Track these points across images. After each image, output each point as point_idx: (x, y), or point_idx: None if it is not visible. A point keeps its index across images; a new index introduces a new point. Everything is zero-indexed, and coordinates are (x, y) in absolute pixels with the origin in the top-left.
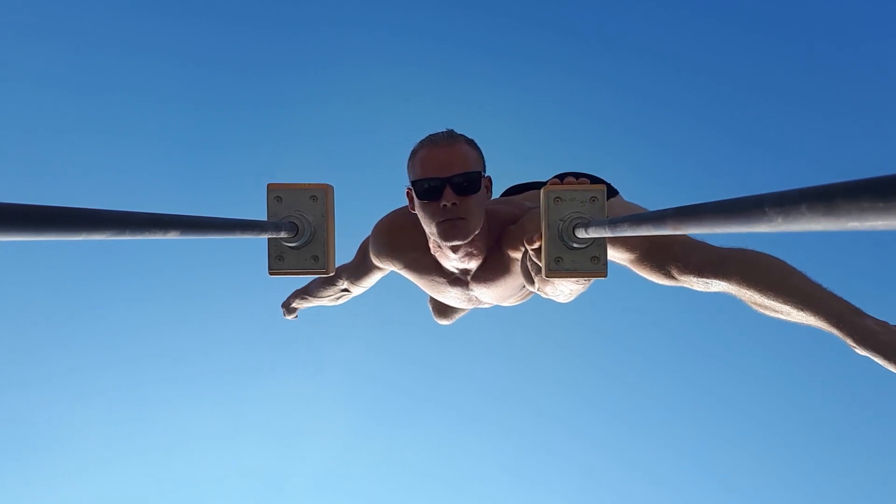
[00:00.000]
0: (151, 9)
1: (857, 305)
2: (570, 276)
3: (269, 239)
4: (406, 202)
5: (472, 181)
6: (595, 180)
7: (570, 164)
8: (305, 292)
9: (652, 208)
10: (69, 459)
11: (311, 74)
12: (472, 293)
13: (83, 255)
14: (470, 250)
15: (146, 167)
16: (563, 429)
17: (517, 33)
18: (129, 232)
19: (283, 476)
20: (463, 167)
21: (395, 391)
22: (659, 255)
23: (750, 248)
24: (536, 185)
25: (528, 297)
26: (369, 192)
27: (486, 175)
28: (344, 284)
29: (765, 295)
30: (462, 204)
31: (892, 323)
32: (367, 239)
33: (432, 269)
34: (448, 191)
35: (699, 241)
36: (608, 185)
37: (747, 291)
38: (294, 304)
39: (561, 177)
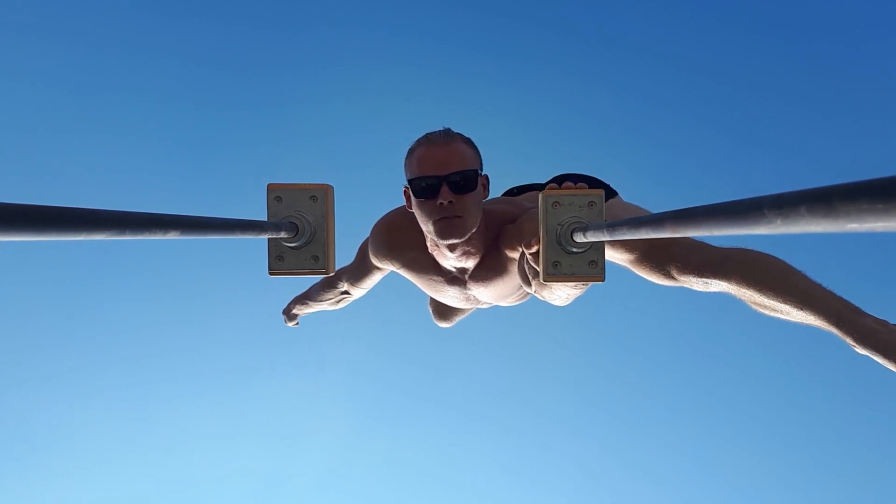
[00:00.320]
0: (151, 9)
1: (857, 305)
2: (568, 281)
3: (269, 239)
4: (404, 201)
5: (469, 179)
6: (594, 183)
7: (570, 164)
8: (306, 297)
9: (652, 209)
10: (69, 459)
11: (311, 74)
12: (469, 292)
13: (83, 255)
14: (467, 249)
15: (146, 167)
16: (563, 429)
17: (517, 33)
18: (129, 232)
19: (283, 476)
20: (459, 165)
21: (395, 391)
22: (658, 256)
23: (750, 248)
24: (535, 188)
25: (527, 298)
26: (369, 192)
27: (483, 173)
28: (344, 287)
29: (764, 294)
30: (458, 202)
31: (892, 322)
32: (367, 240)
33: (430, 268)
34: (444, 189)
35: (698, 241)
36: (607, 187)
37: (747, 291)
38: (295, 311)
39: (559, 180)
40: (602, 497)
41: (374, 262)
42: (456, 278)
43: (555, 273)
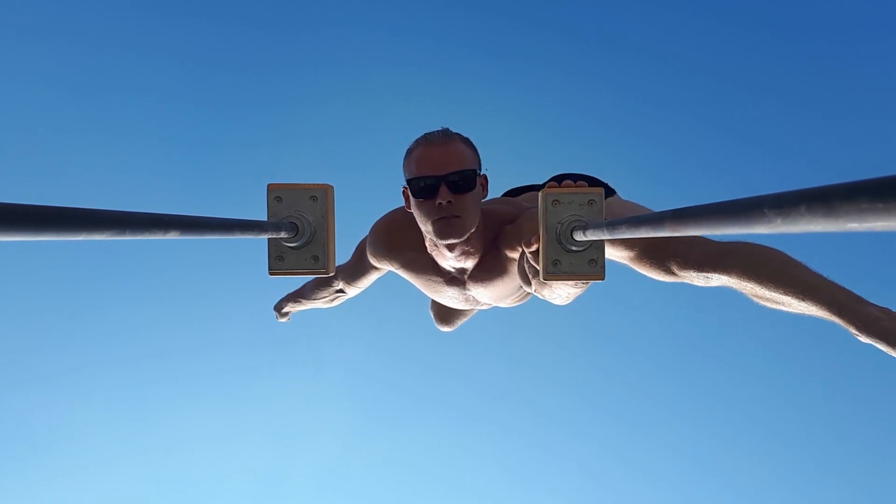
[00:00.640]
0: (151, 9)
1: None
2: (568, 280)
3: (269, 239)
4: (403, 202)
5: (468, 179)
6: (593, 182)
7: (571, 164)
8: (299, 295)
9: (652, 208)
10: (69, 459)
11: (311, 74)
12: (469, 293)
13: (83, 255)
14: (466, 249)
15: (146, 167)
16: (563, 429)
17: (517, 33)
18: (129, 232)
19: (283, 476)
20: (458, 165)
21: (395, 391)
22: (658, 252)
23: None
24: (534, 188)
25: (527, 299)
26: (369, 192)
27: (481, 173)
28: (339, 285)
29: (766, 287)
30: (457, 202)
31: (894, 309)
32: (364, 239)
33: (429, 268)
34: (443, 189)
35: (698, 236)
36: (606, 186)
37: (748, 284)
38: (286, 308)
39: (559, 179)
40: (602, 497)
41: (373, 262)
42: (455, 279)
43: (555, 272)
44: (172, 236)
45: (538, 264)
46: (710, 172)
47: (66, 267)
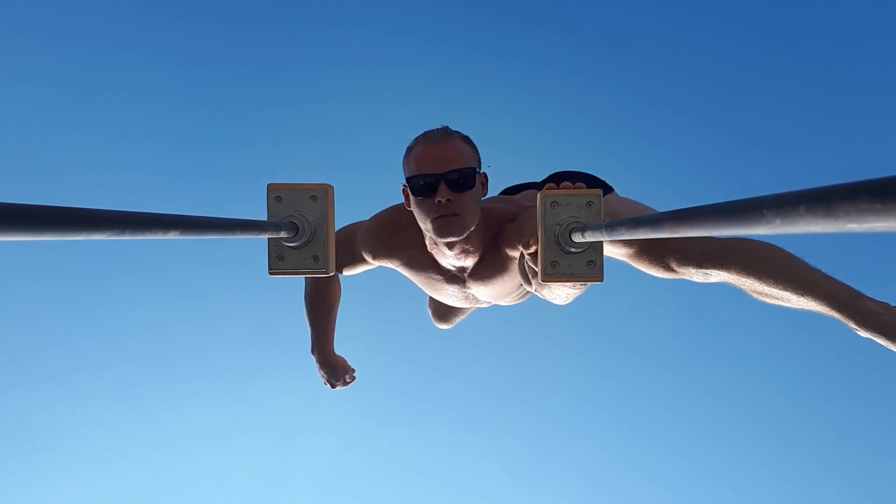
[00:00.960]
0: (151, 9)
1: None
2: (567, 281)
3: (269, 239)
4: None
5: (467, 177)
6: (590, 181)
7: (571, 164)
8: (323, 318)
9: (651, 208)
10: (69, 459)
11: (311, 74)
12: (468, 291)
13: (83, 255)
14: (466, 247)
15: (146, 167)
16: (563, 429)
17: (517, 33)
18: (129, 232)
19: (283, 476)
20: (457, 163)
21: (395, 391)
22: (657, 249)
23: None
24: (532, 186)
25: (527, 297)
26: (369, 192)
27: (481, 171)
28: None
29: (765, 283)
30: (457, 200)
31: (893, 304)
32: (351, 228)
33: (429, 266)
34: (442, 187)
35: None
36: (603, 183)
37: (747, 280)
38: (331, 352)
39: (556, 178)
40: (602, 497)
41: (367, 258)
42: (455, 277)
43: (553, 273)
44: (172, 236)
45: (537, 266)
46: (710, 172)
47: (66, 267)
